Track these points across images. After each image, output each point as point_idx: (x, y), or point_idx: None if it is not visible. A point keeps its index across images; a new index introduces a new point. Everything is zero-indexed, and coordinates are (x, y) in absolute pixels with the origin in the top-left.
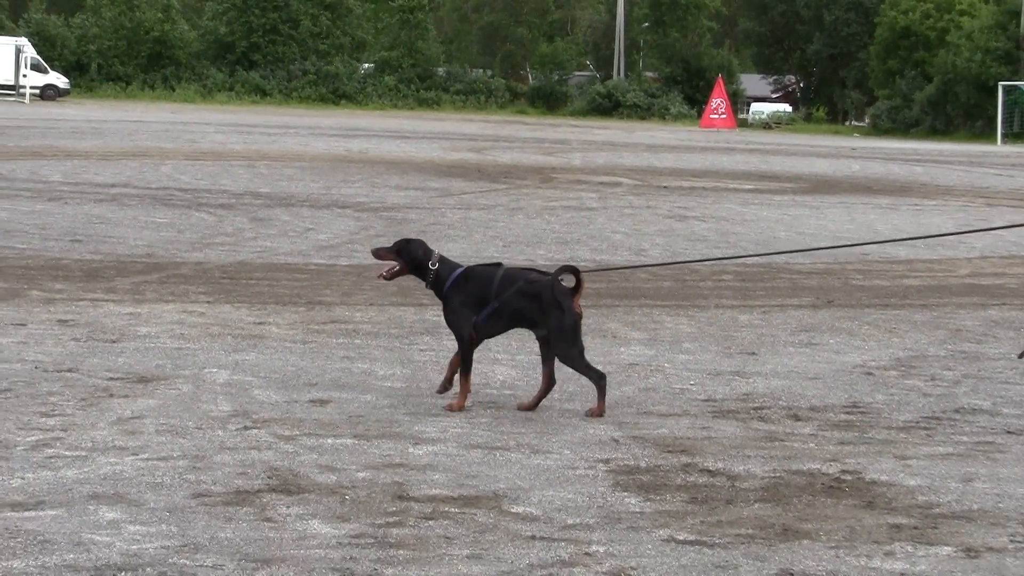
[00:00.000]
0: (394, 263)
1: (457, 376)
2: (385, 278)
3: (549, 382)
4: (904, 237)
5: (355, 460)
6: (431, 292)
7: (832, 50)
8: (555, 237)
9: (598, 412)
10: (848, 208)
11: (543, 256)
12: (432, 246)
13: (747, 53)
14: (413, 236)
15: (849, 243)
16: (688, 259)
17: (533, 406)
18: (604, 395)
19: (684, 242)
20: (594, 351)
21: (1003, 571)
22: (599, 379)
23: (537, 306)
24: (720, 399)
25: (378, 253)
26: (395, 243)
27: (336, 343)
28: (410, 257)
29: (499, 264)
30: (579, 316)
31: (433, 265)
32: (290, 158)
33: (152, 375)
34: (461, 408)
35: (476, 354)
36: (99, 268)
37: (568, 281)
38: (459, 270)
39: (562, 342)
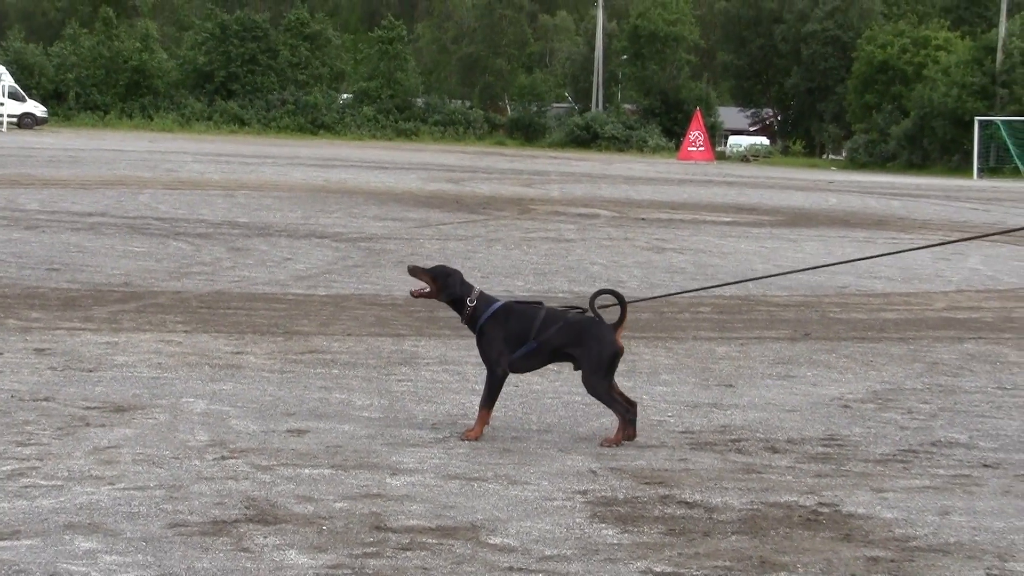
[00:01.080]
0: (426, 286)
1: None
2: (414, 295)
3: (630, 404)
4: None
5: (332, 490)
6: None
7: (810, 84)
8: (533, 268)
9: (612, 441)
10: (825, 241)
11: (521, 287)
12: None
13: (725, 86)
14: (450, 267)
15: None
16: (700, 287)
17: (633, 435)
18: (624, 428)
19: (662, 274)
20: (572, 382)
21: None
22: (623, 411)
23: (577, 342)
24: (698, 431)
25: (414, 271)
26: (433, 268)
27: (314, 373)
28: (447, 290)
29: (540, 303)
30: (620, 350)
31: (471, 302)
32: (268, 188)
33: (129, 404)
34: (477, 437)
35: (455, 384)
36: (76, 297)
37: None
38: (497, 304)
39: (593, 374)
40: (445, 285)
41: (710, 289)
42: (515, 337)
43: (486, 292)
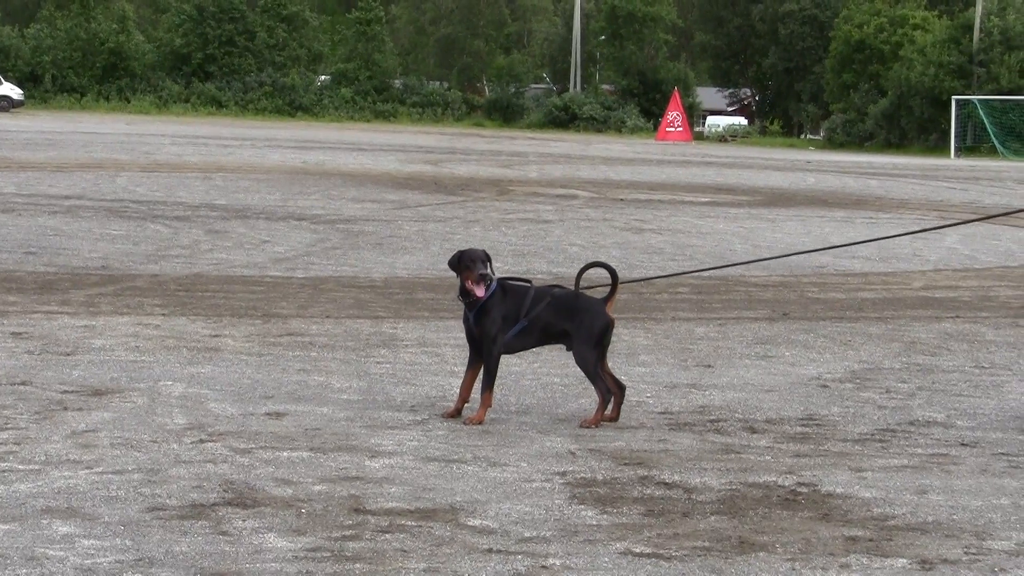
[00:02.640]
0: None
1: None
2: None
3: (619, 388)
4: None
5: (311, 473)
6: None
7: (787, 64)
8: (512, 249)
9: (590, 423)
10: (803, 221)
11: (500, 269)
12: (388, 258)
13: (703, 66)
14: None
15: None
16: (690, 269)
17: (614, 418)
18: (603, 410)
19: (640, 255)
20: (550, 363)
21: None
22: (605, 391)
23: (568, 317)
24: (676, 411)
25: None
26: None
27: (292, 355)
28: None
29: (529, 282)
30: (611, 323)
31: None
32: (246, 170)
33: (107, 388)
34: (480, 422)
35: (434, 366)
36: (53, 280)
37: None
38: (494, 283)
39: (585, 344)
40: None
41: (693, 273)
42: (509, 316)
43: None
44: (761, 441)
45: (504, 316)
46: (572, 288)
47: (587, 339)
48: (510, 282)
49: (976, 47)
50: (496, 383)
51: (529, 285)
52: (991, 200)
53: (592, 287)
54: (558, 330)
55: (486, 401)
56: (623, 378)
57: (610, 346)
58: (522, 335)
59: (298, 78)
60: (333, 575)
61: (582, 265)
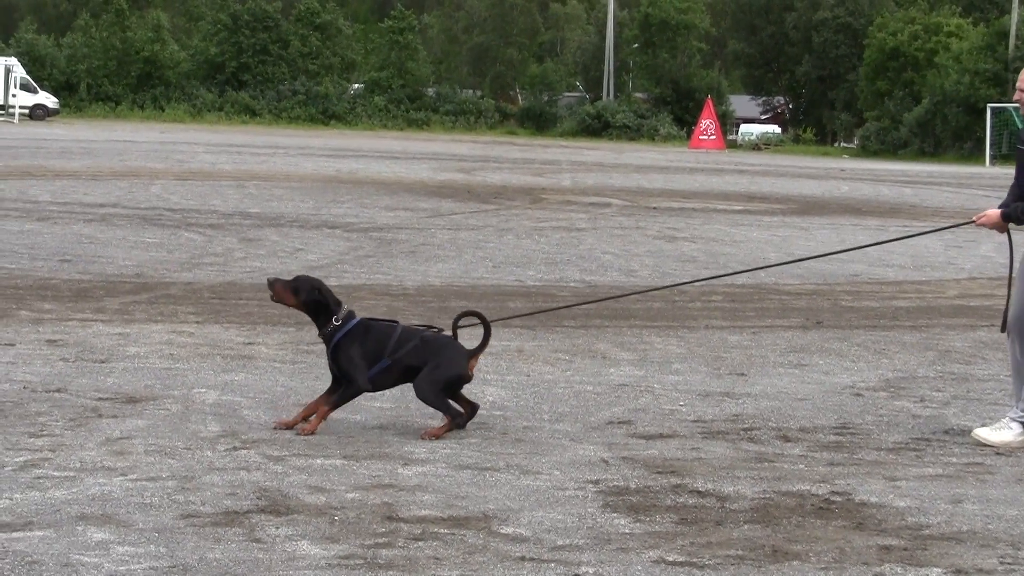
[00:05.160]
0: (289, 301)
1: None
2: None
3: (471, 407)
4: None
5: (344, 481)
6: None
7: (821, 72)
8: (544, 258)
9: (432, 434)
10: (837, 229)
11: (532, 277)
12: (421, 266)
13: (736, 74)
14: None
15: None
16: (626, 292)
17: (439, 435)
18: (448, 429)
19: (673, 263)
20: (583, 371)
21: None
22: (455, 415)
23: (428, 356)
24: (709, 420)
25: (274, 287)
26: (295, 280)
27: (325, 363)
28: (312, 303)
29: (396, 322)
30: (467, 376)
31: (337, 322)
32: (279, 178)
33: (141, 395)
34: (314, 431)
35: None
36: (88, 288)
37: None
38: (355, 321)
39: (429, 384)
40: (309, 299)
41: (669, 286)
42: (371, 354)
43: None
44: (795, 450)
45: (363, 355)
46: (445, 332)
47: (433, 381)
48: (373, 321)
49: (1012, 54)
50: (530, 391)
51: (395, 324)
52: None
53: (519, 316)
54: (416, 368)
55: (322, 415)
56: (655, 386)
57: (643, 355)
58: (384, 373)
59: (331, 86)
60: None
61: (466, 312)
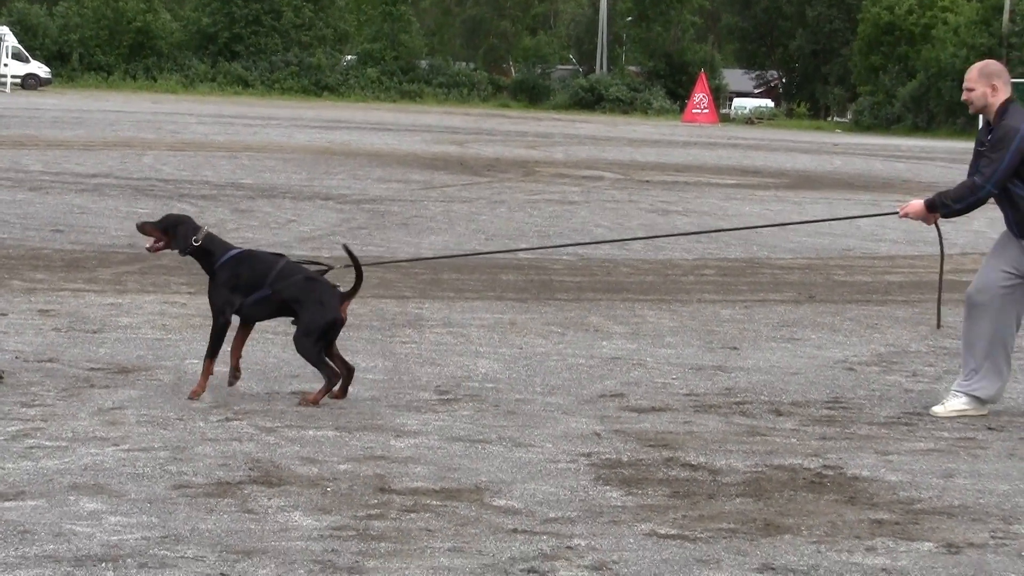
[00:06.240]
0: (159, 239)
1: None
2: (150, 250)
3: (347, 369)
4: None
5: (336, 452)
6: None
7: (815, 46)
8: (537, 230)
9: (310, 400)
10: (830, 204)
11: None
12: (414, 238)
13: (730, 48)
14: (180, 215)
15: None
16: (499, 251)
17: (340, 396)
18: (326, 392)
19: (666, 237)
20: (576, 344)
21: (984, 567)
22: (331, 375)
23: (302, 299)
24: (702, 393)
25: (143, 228)
26: (163, 220)
27: None
28: (179, 241)
29: (282, 255)
30: (340, 320)
31: (196, 242)
32: (272, 149)
33: (133, 366)
34: (200, 394)
35: (459, 346)
36: (80, 258)
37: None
38: (234, 251)
39: (306, 336)
40: (176, 235)
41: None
42: (248, 285)
43: (217, 236)
44: (787, 424)
45: (236, 286)
46: (329, 269)
47: (309, 331)
48: (256, 252)
49: (1006, 29)
50: (522, 364)
51: (281, 257)
52: None
53: (388, 262)
54: (292, 308)
55: (206, 369)
56: (647, 359)
57: (635, 328)
58: (260, 304)
59: (324, 58)
60: (358, 553)
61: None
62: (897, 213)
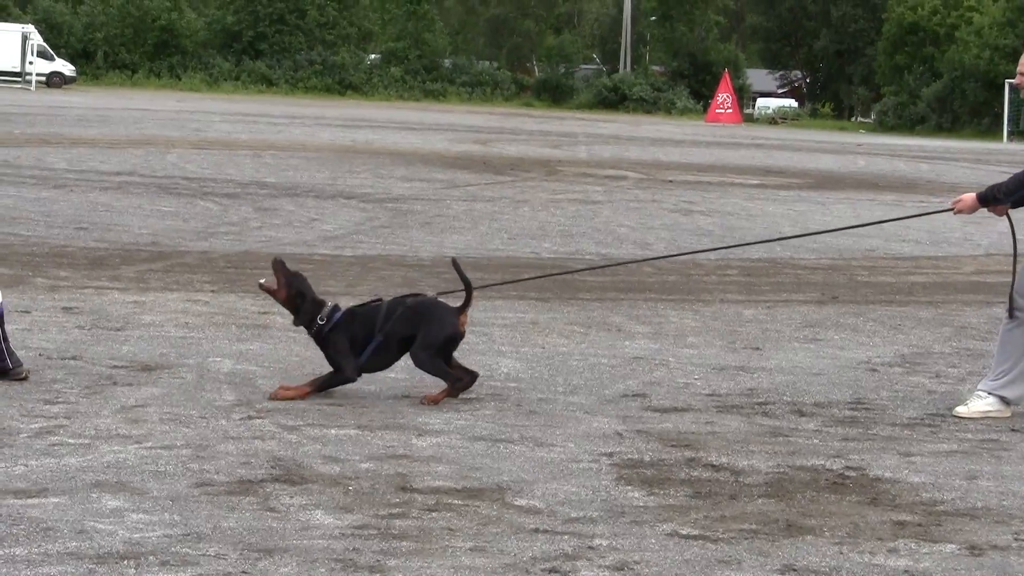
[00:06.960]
0: (279, 291)
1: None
2: (262, 288)
3: (470, 375)
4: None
5: (358, 451)
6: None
7: (839, 46)
8: (560, 230)
9: (432, 400)
10: (853, 204)
11: (548, 249)
12: (436, 237)
13: (754, 48)
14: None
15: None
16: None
17: (438, 400)
18: (449, 394)
19: (689, 236)
20: (598, 344)
21: (1007, 569)
22: (454, 380)
23: (419, 324)
24: (724, 394)
25: (277, 266)
26: (293, 275)
27: None
28: (301, 311)
29: (379, 300)
30: (459, 334)
31: (322, 320)
32: (295, 148)
33: (156, 364)
34: (276, 398)
35: (481, 345)
36: (104, 256)
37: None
38: (340, 313)
39: (424, 350)
40: (298, 301)
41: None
42: (361, 339)
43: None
44: (809, 424)
45: (352, 341)
46: (429, 296)
47: (427, 346)
48: (359, 308)
49: None
50: (544, 363)
51: (379, 302)
52: None
53: (449, 293)
54: (410, 337)
55: (301, 391)
56: (670, 359)
57: (658, 328)
58: (378, 352)
59: (348, 56)
60: (379, 552)
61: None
62: (951, 210)
